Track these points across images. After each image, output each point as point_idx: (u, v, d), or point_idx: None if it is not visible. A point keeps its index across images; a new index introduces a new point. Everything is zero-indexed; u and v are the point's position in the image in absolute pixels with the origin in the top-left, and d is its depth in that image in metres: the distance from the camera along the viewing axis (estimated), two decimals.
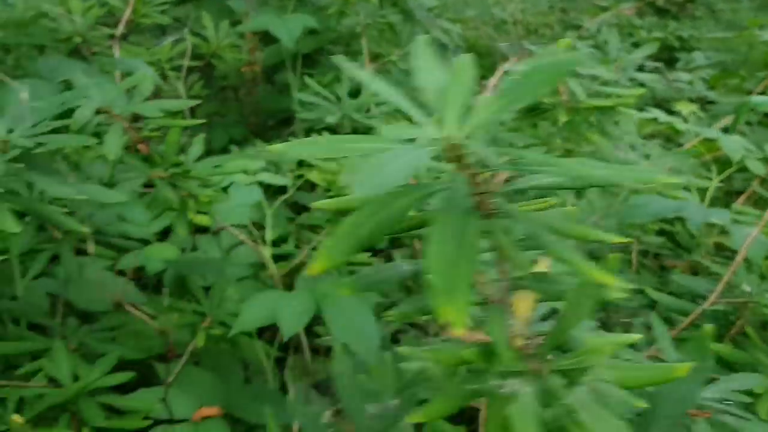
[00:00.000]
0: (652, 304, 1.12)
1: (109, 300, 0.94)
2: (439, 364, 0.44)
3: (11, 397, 0.86)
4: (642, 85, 1.78)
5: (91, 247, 0.88)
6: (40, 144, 0.73)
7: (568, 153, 1.07)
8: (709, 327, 0.51)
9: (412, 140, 0.39)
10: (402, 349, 0.46)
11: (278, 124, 2.12)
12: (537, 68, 0.40)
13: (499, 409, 0.42)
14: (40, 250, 1.04)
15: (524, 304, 0.47)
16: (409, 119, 0.41)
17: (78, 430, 0.83)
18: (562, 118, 1.06)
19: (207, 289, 1.13)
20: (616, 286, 0.45)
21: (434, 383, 0.53)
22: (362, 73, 0.42)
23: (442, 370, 0.47)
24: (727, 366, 0.90)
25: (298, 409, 0.60)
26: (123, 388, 0.99)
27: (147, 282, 1.34)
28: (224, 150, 1.81)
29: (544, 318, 0.48)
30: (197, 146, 0.99)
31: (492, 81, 2.18)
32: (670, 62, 2.86)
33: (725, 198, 1.89)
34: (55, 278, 1.13)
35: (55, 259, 1.04)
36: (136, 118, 0.94)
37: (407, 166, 0.34)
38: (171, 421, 0.89)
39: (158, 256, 1.21)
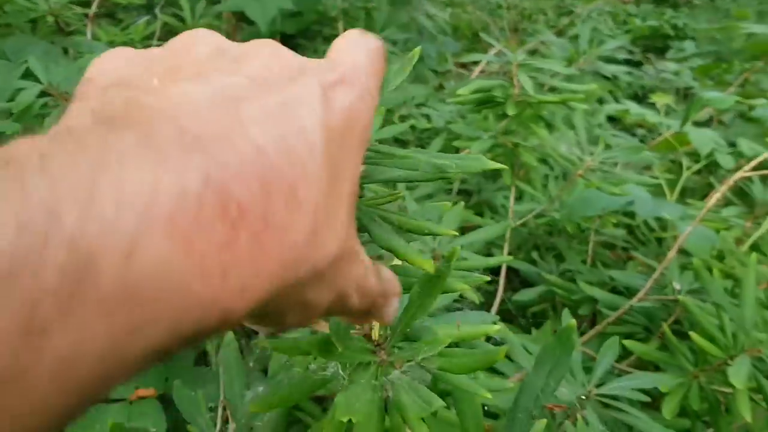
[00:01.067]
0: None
1: None
2: (281, 353, 0.46)
3: None
4: (614, 77, 1.79)
5: None
6: None
7: (514, 146, 1.08)
8: (572, 322, 0.52)
9: None
10: (260, 341, 0.47)
11: None
12: None
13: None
14: None
15: None
16: None
17: None
18: (510, 111, 1.07)
19: None
20: (470, 281, 0.47)
21: (292, 372, 0.55)
22: None
23: (299, 361, 0.49)
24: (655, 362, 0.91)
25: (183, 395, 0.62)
26: None
27: None
28: None
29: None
30: None
31: (477, 69, 2.17)
32: (664, 51, 2.85)
33: (705, 189, 1.90)
34: None
35: None
36: None
37: None
38: (107, 401, 0.91)
39: None
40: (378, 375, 0.44)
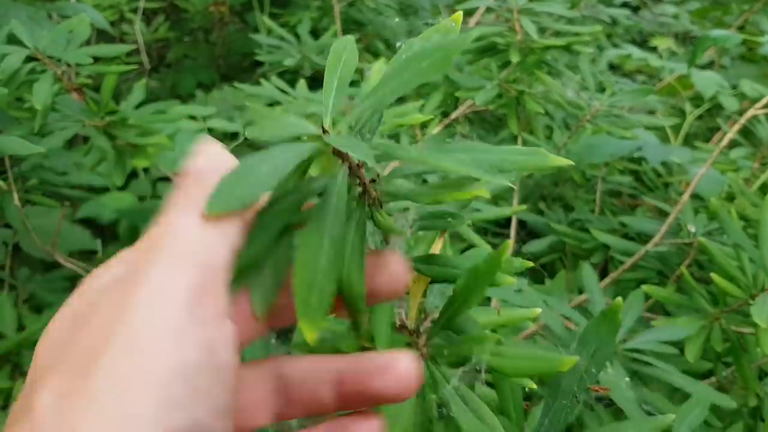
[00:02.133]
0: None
1: (48, 249, 0.94)
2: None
3: None
4: (614, 22, 1.74)
5: (15, 198, 0.86)
6: None
7: (519, 94, 1.05)
8: (618, 300, 0.49)
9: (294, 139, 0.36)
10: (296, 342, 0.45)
11: (251, 66, 2.08)
12: (421, 54, 0.36)
13: None
14: None
15: (417, 287, 0.45)
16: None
17: (18, 380, 0.84)
18: (514, 58, 1.04)
19: None
20: (512, 269, 0.44)
21: None
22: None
23: None
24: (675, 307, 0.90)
25: None
26: None
27: (115, 231, 1.34)
28: (191, 95, 1.79)
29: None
30: (137, 93, 0.97)
31: (473, 19, 2.13)
32: None
33: (708, 134, 1.87)
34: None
35: None
36: (76, 63, 0.92)
37: (274, 171, 0.31)
38: None
39: (114, 205, 1.20)
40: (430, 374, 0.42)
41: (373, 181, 0.38)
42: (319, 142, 0.34)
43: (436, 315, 0.44)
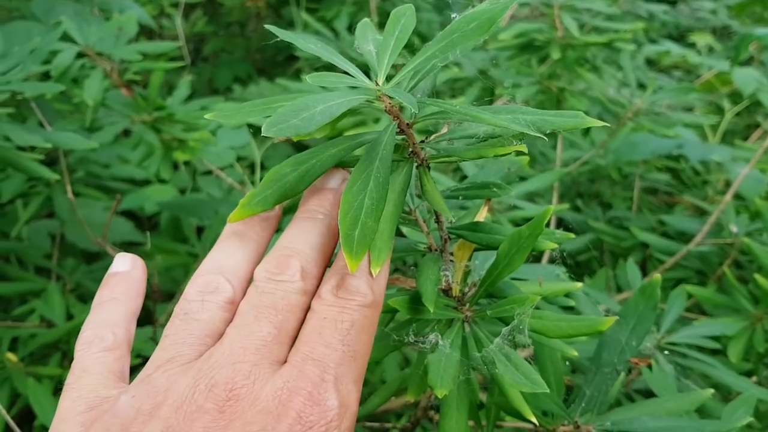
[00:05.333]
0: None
1: (99, 241, 0.96)
2: None
3: (6, 336, 0.90)
4: (651, 17, 1.73)
5: (69, 190, 0.89)
6: (15, 93, 0.74)
7: (559, 91, 1.05)
8: (657, 276, 0.51)
9: (350, 89, 0.39)
10: None
11: (286, 60, 2.10)
12: (469, 17, 0.40)
13: (422, 358, 0.43)
14: (37, 193, 1.06)
15: (462, 253, 0.47)
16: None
17: (68, 367, 0.86)
18: (555, 55, 1.04)
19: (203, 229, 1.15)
20: (553, 238, 0.45)
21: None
22: (291, 35, 0.41)
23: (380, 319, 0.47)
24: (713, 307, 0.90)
25: None
26: None
27: (156, 223, 1.37)
28: (228, 89, 1.81)
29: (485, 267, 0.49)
30: (183, 88, 0.99)
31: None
32: None
33: (745, 131, 1.85)
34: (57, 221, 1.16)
35: None
36: (124, 60, 0.94)
37: (327, 111, 0.34)
38: None
39: (157, 198, 1.23)
40: (463, 332, 0.43)
41: (422, 141, 0.42)
42: (371, 94, 0.37)
43: (479, 280, 0.45)
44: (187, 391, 0.33)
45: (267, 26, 0.44)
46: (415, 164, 0.42)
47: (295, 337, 0.37)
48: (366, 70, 0.41)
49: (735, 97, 1.72)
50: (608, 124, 0.39)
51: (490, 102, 1.48)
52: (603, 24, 1.16)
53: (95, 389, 0.37)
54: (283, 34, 0.41)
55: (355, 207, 0.36)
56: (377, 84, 0.38)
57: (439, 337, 0.41)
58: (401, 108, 0.39)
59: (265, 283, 0.38)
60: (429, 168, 0.42)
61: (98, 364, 0.39)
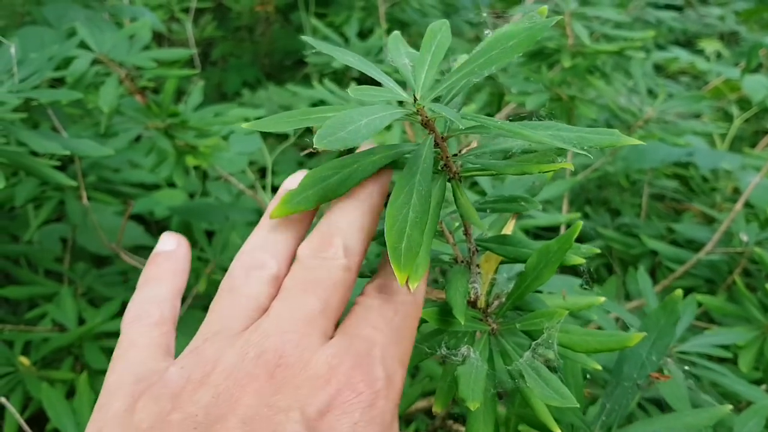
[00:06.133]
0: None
1: (113, 246, 0.97)
2: None
3: (18, 340, 0.91)
4: (659, 23, 1.73)
5: (84, 196, 0.90)
6: (30, 99, 0.75)
7: (570, 99, 1.05)
8: (678, 291, 0.51)
9: (385, 104, 0.40)
10: None
11: (294, 65, 2.11)
12: (508, 34, 0.40)
13: (450, 370, 0.44)
14: (48, 198, 1.07)
15: (488, 266, 0.48)
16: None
17: (80, 372, 0.87)
18: (566, 63, 1.04)
19: (213, 234, 1.16)
20: (579, 253, 0.46)
21: None
22: (329, 47, 0.42)
23: None
24: (723, 316, 0.90)
25: None
26: None
27: (165, 226, 1.37)
28: (237, 93, 1.82)
29: (511, 280, 0.49)
30: (196, 95, 1.00)
31: (515, 18, 2.12)
32: None
33: (753, 138, 1.85)
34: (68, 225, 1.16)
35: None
36: (138, 66, 0.95)
37: (371, 124, 0.35)
38: None
39: (167, 202, 1.24)
40: (490, 345, 0.43)
41: (455, 155, 0.43)
42: (410, 108, 0.38)
43: (506, 293, 0.46)
44: (237, 359, 0.34)
45: (303, 38, 0.45)
46: (448, 177, 0.42)
47: (339, 316, 0.38)
48: (402, 85, 0.42)
49: (743, 103, 1.72)
50: (644, 143, 0.39)
51: (498, 108, 1.48)
52: (613, 32, 1.17)
53: (143, 362, 0.38)
54: (320, 46, 0.42)
55: (400, 220, 0.37)
56: (415, 98, 0.39)
57: (471, 350, 0.41)
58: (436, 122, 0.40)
59: (309, 260, 0.38)
60: (461, 181, 0.43)
61: (145, 338, 0.39)
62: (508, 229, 0.51)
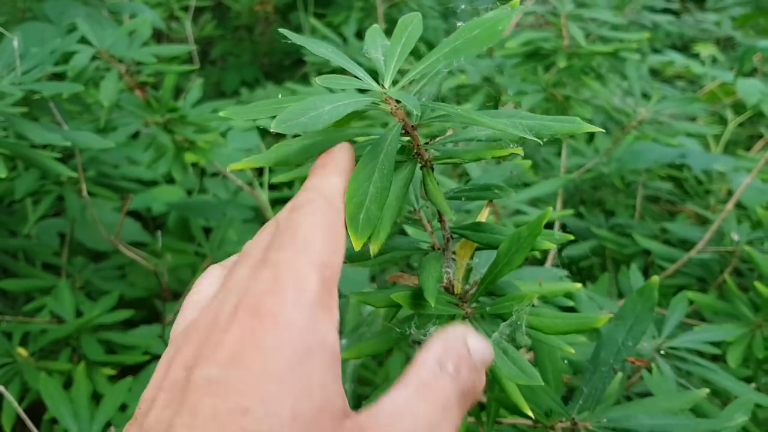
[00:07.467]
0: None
1: (113, 240, 0.98)
2: (373, 306, 0.46)
3: (17, 331, 0.92)
4: (655, 27, 1.74)
5: (83, 189, 0.90)
6: (33, 92, 0.75)
7: (565, 99, 1.06)
8: (654, 278, 0.52)
9: (357, 91, 0.41)
10: (352, 295, 0.48)
11: (293, 64, 2.12)
12: (471, 25, 0.42)
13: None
14: (47, 192, 1.08)
15: (464, 252, 0.49)
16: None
17: (78, 363, 0.88)
18: (561, 64, 1.05)
19: (210, 230, 1.17)
20: (551, 239, 0.47)
21: (376, 325, 0.55)
22: (304, 39, 0.43)
23: (384, 313, 0.49)
24: (713, 314, 0.91)
25: None
26: (130, 325, 1.03)
27: (161, 222, 1.38)
28: (235, 92, 1.83)
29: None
30: (194, 91, 1.01)
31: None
32: (703, 0, 2.76)
33: (747, 142, 1.86)
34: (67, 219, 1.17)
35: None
36: (138, 62, 0.96)
37: (334, 111, 0.36)
38: None
39: (164, 198, 1.24)
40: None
41: (426, 143, 0.44)
42: (377, 97, 0.39)
43: (480, 278, 0.47)
44: None
45: (280, 30, 0.46)
46: (419, 165, 0.43)
47: None
48: (375, 75, 0.43)
49: (738, 107, 1.74)
50: (603, 131, 0.41)
51: (495, 109, 1.49)
52: (608, 33, 1.18)
53: None
54: (294, 38, 0.43)
55: (360, 193, 0.38)
56: (383, 87, 0.41)
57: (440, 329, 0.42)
58: (407, 111, 0.41)
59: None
60: (433, 169, 0.44)
61: None
62: (483, 216, 0.52)
